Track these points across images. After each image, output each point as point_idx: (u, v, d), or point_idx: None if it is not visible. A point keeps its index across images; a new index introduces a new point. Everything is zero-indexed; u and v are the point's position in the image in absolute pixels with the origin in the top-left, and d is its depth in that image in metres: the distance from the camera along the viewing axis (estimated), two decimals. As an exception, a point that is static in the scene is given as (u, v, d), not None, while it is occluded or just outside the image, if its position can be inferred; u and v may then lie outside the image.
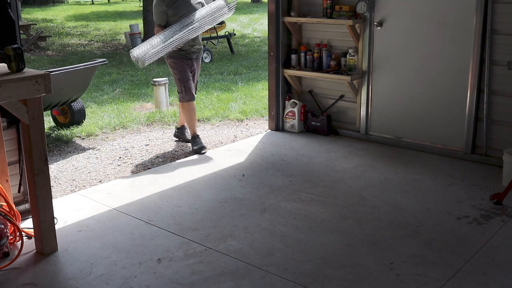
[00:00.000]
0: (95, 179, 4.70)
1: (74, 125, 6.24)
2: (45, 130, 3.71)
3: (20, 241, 3.24)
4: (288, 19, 5.54)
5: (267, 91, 5.91)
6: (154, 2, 5.16)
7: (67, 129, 6.13)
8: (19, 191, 3.77)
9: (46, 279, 3.02)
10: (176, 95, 8.15)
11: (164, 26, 5.11)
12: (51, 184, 3.47)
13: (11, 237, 3.31)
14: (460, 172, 4.54)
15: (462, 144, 4.81)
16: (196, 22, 5.04)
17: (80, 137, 5.96)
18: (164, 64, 11.75)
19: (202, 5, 5.28)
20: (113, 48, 14.33)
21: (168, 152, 5.41)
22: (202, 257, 3.20)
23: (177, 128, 5.72)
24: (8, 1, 3.44)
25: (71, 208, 3.94)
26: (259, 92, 8.10)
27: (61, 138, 5.88)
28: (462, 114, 4.75)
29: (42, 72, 3.04)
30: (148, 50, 4.86)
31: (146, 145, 5.66)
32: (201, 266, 3.10)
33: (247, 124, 6.37)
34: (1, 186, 3.36)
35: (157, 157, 5.24)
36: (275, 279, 2.96)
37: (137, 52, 4.87)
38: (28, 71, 3.03)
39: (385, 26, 5.09)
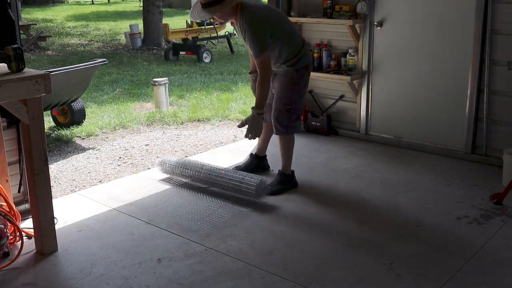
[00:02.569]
0: (95, 179, 4.70)
1: (74, 125, 6.24)
2: (45, 130, 3.71)
3: (20, 241, 3.24)
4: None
5: (267, 91, 5.91)
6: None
7: (67, 129, 6.13)
8: (19, 191, 3.77)
9: (46, 279, 3.02)
10: (176, 94, 8.21)
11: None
12: (51, 184, 3.47)
13: (11, 237, 3.31)
14: (460, 172, 4.54)
15: (462, 144, 4.81)
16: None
17: (80, 137, 5.96)
18: (164, 63, 11.78)
19: None
20: (113, 48, 14.33)
21: (168, 152, 5.41)
22: (202, 257, 3.20)
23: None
24: (8, 1, 3.44)
25: (71, 208, 3.94)
26: (259, 92, 8.10)
27: (61, 138, 5.88)
28: (462, 114, 4.75)
29: (42, 72, 3.04)
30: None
31: (146, 145, 5.66)
32: (201, 266, 3.10)
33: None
34: (1, 186, 3.36)
35: (157, 157, 5.23)
36: (275, 279, 2.96)
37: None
38: (28, 71, 3.03)
39: (385, 26, 5.09)
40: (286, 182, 4.18)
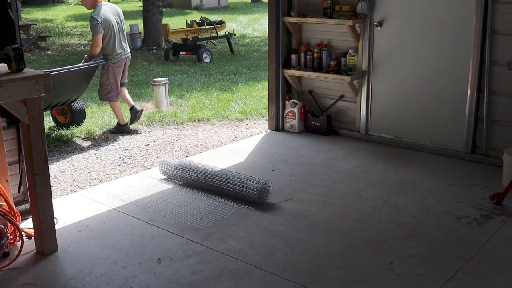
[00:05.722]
0: (95, 179, 4.70)
1: (74, 125, 6.24)
2: (45, 130, 3.71)
3: (20, 241, 3.24)
4: (288, 19, 5.54)
5: (267, 91, 5.91)
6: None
7: (67, 129, 6.13)
8: (19, 191, 3.77)
9: (46, 279, 3.02)
10: (176, 94, 8.22)
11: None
12: (51, 184, 3.47)
13: (11, 237, 3.31)
14: (460, 172, 4.54)
15: (462, 144, 4.81)
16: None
17: (80, 137, 5.96)
18: (164, 64, 11.78)
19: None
20: (113, 48, 14.31)
21: (168, 152, 5.41)
22: (202, 257, 3.20)
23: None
24: (8, 1, 3.44)
25: (71, 208, 3.94)
26: (259, 92, 8.10)
27: (61, 138, 5.88)
28: (462, 114, 4.75)
29: (42, 72, 3.04)
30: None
31: (146, 145, 5.66)
32: (201, 266, 3.10)
33: (247, 124, 6.37)
34: (1, 186, 3.36)
35: (157, 157, 5.24)
36: (275, 279, 2.96)
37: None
38: (28, 71, 3.03)
39: (385, 26, 5.09)
40: (116, 128, 6.13)
